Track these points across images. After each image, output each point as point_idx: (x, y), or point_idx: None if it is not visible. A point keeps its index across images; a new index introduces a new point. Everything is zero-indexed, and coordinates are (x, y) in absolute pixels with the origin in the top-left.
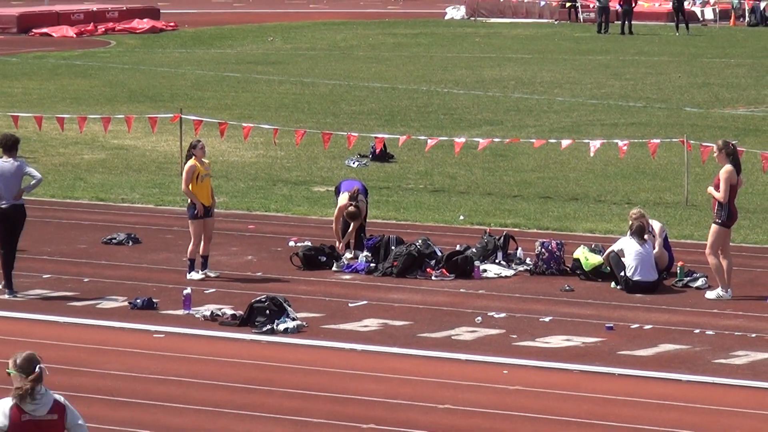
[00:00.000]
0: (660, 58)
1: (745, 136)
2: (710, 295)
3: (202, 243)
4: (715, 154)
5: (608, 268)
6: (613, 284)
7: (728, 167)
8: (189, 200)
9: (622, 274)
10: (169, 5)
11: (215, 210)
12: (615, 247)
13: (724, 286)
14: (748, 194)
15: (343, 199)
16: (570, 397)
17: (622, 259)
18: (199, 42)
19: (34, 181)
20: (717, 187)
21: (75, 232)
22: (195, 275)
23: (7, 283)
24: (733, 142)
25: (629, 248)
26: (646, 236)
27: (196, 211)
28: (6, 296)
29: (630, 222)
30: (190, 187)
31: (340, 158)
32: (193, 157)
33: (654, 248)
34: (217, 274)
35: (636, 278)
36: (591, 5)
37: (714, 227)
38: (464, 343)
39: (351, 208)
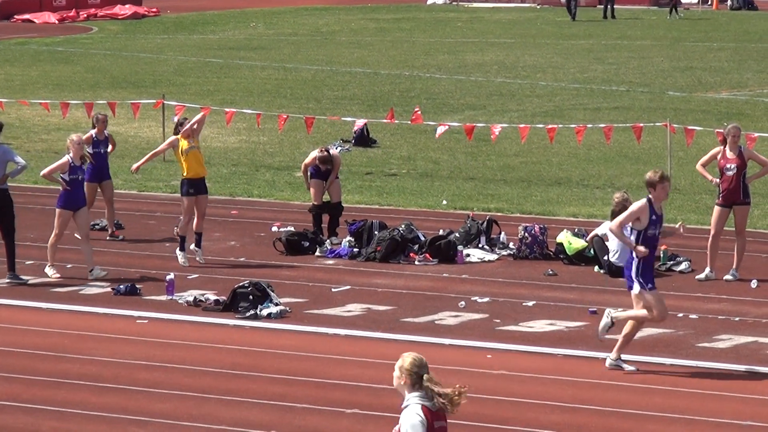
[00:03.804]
0: (642, 42)
1: (729, 120)
2: (728, 277)
3: (195, 219)
4: (730, 136)
5: (592, 252)
6: (596, 268)
7: None
8: (182, 176)
9: (606, 258)
10: None
11: None
12: (599, 230)
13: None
14: None
15: (313, 153)
16: (554, 381)
17: (606, 243)
18: (182, 28)
19: (18, 167)
20: (741, 168)
21: None
22: (181, 257)
23: None
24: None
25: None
26: None
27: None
28: None
29: (612, 206)
30: (161, 150)
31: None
32: (180, 134)
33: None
34: (203, 261)
35: (619, 263)
36: None
37: (747, 208)
38: (447, 327)
39: (323, 153)
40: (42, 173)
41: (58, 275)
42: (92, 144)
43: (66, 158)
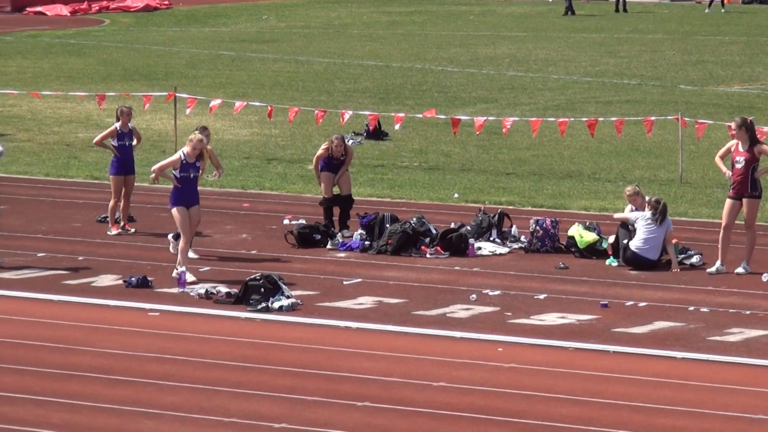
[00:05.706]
0: (654, 36)
1: (740, 114)
2: (739, 270)
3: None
4: (734, 131)
5: (603, 245)
6: (607, 261)
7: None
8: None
9: (625, 241)
10: None
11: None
12: (631, 216)
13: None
14: None
15: (324, 145)
16: (564, 374)
17: (630, 227)
18: (194, 20)
19: None
20: (750, 161)
21: (69, 210)
22: (191, 254)
23: None
24: (751, 118)
25: (645, 224)
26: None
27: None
28: None
29: (626, 198)
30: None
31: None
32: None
33: (672, 228)
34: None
35: (634, 249)
36: None
37: (755, 201)
38: (459, 320)
39: (336, 140)
40: (153, 169)
41: (194, 278)
42: (117, 137)
43: (178, 154)
